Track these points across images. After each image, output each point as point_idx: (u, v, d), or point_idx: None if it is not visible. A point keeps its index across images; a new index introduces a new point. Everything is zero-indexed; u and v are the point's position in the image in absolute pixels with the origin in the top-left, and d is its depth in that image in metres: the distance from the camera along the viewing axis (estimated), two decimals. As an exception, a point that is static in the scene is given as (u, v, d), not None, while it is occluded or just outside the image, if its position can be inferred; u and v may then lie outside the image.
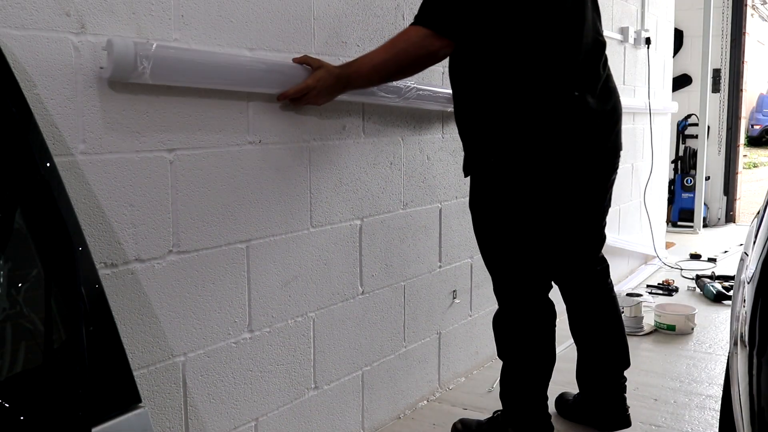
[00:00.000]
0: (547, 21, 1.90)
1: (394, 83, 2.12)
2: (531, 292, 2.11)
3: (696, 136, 6.48)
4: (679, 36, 6.39)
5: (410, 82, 2.19)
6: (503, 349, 2.18)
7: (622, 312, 3.43)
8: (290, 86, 1.83)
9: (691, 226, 6.29)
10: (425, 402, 2.61)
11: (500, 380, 2.21)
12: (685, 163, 6.58)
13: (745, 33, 6.56)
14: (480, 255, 2.17)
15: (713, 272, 4.38)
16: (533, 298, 2.12)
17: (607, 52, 2.09)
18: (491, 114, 1.94)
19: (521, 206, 1.99)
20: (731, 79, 6.56)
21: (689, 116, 6.54)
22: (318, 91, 1.84)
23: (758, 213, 1.74)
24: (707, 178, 6.53)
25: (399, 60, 1.88)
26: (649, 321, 3.46)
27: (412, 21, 1.88)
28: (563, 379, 2.55)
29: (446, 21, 1.84)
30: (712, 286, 4.02)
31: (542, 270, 2.12)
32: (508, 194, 1.98)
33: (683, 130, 6.63)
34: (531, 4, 1.88)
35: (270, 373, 1.94)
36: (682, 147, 6.65)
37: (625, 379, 2.35)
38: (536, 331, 2.12)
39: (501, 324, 2.17)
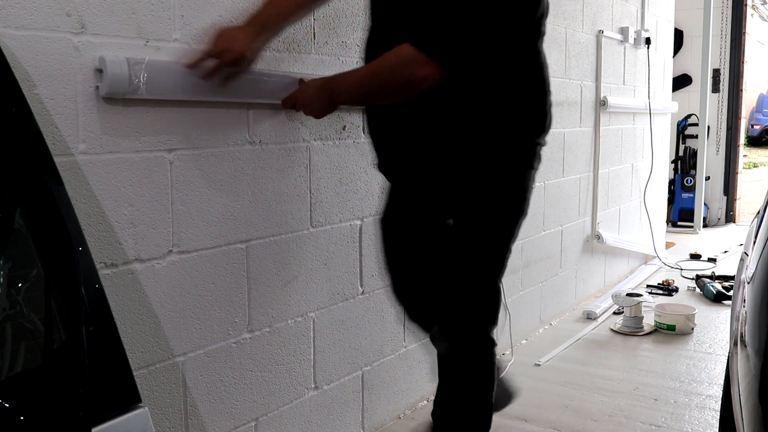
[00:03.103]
0: (525, 53, 1.69)
1: None
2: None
3: (696, 136, 6.48)
4: (679, 36, 6.38)
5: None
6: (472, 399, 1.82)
7: (622, 312, 3.48)
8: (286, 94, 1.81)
9: (691, 226, 6.29)
10: (425, 402, 2.60)
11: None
12: (685, 163, 6.59)
13: (745, 33, 6.56)
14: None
15: (713, 272, 4.38)
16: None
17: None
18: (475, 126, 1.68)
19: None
20: (731, 79, 6.56)
21: (689, 116, 6.55)
22: (302, 101, 1.76)
23: (758, 213, 1.75)
24: (707, 178, 6.53)
25: (375, 82, 1.61)
26: (649, 321, 3.46)
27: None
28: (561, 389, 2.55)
29: (444, 45, 1.50)
30: (712, 286, 4.02)
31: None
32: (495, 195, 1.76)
33: (683, 130, 6.63)
34: (518, 42, 1.66)
35: (270, 373, 1.94)
36: (682, 147, 6.66)
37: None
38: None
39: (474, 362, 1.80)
